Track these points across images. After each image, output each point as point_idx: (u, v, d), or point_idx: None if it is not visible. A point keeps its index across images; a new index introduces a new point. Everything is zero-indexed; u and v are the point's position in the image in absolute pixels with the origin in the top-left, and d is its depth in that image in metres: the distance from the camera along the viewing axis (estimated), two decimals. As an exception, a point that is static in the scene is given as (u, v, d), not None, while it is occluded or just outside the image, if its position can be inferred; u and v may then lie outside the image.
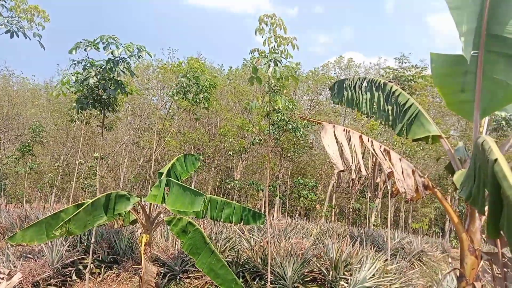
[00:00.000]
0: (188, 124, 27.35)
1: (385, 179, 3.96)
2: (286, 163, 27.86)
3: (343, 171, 3.69)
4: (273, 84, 8.18)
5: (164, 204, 6.65)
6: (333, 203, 28.41)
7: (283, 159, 27.20)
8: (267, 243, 9.70)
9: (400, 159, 4.33)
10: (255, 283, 8.47)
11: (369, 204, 25.74)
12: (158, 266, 9.04)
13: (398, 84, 13.75)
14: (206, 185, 28.08)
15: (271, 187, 21.60)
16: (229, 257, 9.24)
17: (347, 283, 8.16)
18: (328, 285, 8.44)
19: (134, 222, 8.48)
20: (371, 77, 6.55)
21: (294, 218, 21.35)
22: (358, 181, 4.24)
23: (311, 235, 14.10)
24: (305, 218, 24.28)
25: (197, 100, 10.84)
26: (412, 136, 5.60)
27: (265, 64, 6.53)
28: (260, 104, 7.38)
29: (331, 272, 8.39)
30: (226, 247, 9.55)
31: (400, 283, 8.90)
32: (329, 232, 14.49)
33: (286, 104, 7.10)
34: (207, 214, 7.85)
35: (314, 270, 8.75)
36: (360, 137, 4.14)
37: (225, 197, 27.65)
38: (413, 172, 4.40)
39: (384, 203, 29.58)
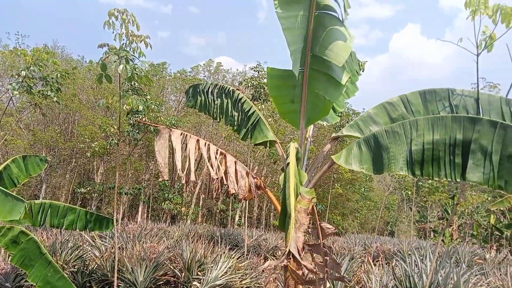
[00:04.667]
0: (40, 121, 24.35)
1: (218, 182, 4.20)
2: (153, 165, 27.11)
3: (168, 180, 3.80)
4: (132, 83, 7.89)
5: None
6: (201, 204, 28.74)
7: (150, 161, 26.41)
8: (119, 249, 9.28)
9: (235, 162, 4.67)
10: (103, 292, 8.02)
11: (234, 205, 26.84)
12: (-16, 285, 7.82)
13: (256, 91, 14.72)
14: (60, 190, 25.36)
15: (135, 190, 20.71)
16: (75, 267, 8.55)
17: (200, 283, 8.36)
18: (181, 286, 8.51)
19: None
20: (222, 84, 6.88)
21: (158, 222, 20.90)
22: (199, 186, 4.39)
23: (172, 238, 14.02)
24: (171, 221, 23.99)
25: (44, 93, 9.72)
26: (254, 141, 6.07)
27: (114, 62, 6.26)
28: (110, 102, 7.03)
29: (183, 274, 8.49)
30: (72, 257, 8.81)
31: (250, 278, 9.51)
32: (190, 234, 14.63)
33: (138, 103, 6.91)
34: (46, 222, 7.16)
35: (168, 273, 8.73)
36: (198, 141, 4.32)
37: (82, 202, 25.40)
38: (247, 173, 4.78)
39: (249, 203, 31.23)
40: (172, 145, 3.95)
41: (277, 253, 15.70)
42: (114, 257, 7.56)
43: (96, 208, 25.02)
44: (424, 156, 4.26)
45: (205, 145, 4.34)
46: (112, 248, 8.99)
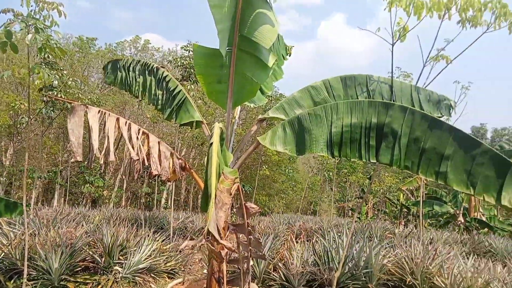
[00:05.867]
0: None
1: (139, 163, 4.02)
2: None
3: (80, 161, 3.56)
4: (45, 55, 7.15)
5: None
6: (124, 187, 27.59)
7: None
8: (31, 235, 8.57)
9: (159, 142, 4.50)
10: (12, 282, 7.36)
11: (160, 188, 26.20)
12: None
13: (186, 71, 14.33)
14: (-40, 173, 22.57)
15: (50, 173, 19.14)
16: (-22, 257, 7.72)
17: (122, 267, 8.06)
18: (101, 272, 8.13)
19: None
20: (145, 60, 6.55)
21: (77, 206, 19.67)
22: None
23: (92, 223, 13.28)
24: (91, 206, 22.73)
25: None
26: (179, 121, 5.91)
27: (21, 29, 5.61)
28: (17, 75, 6.32)
29: (103, 259, 8.12)
30: (-26, 246, 7.93)
31: (175, 260, 9.40)
32: (113, 218, 13.99)
33: (51, 78, 6.29)
34: None
35: (87, 258, 8.27)
36: (117, 120, 4.07)
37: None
38: (171, 154, 4.65)
39: (176, 186, 30.67)
40: (89, 124, 3.67)
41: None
42: (25, 244, 6.97)
43: (4, 193, 22.75)
44: (343, 138, 4.49)
45: (125, 124, 4.10)
46: (22, 235, 8.26)
